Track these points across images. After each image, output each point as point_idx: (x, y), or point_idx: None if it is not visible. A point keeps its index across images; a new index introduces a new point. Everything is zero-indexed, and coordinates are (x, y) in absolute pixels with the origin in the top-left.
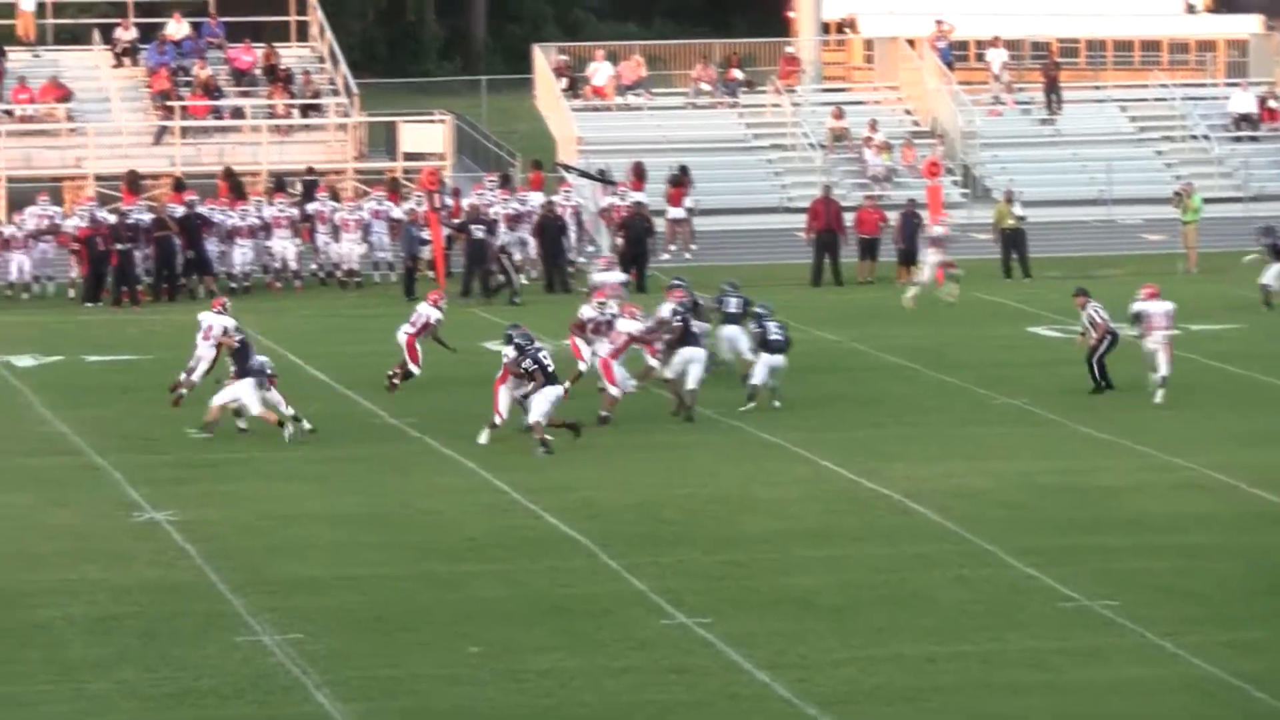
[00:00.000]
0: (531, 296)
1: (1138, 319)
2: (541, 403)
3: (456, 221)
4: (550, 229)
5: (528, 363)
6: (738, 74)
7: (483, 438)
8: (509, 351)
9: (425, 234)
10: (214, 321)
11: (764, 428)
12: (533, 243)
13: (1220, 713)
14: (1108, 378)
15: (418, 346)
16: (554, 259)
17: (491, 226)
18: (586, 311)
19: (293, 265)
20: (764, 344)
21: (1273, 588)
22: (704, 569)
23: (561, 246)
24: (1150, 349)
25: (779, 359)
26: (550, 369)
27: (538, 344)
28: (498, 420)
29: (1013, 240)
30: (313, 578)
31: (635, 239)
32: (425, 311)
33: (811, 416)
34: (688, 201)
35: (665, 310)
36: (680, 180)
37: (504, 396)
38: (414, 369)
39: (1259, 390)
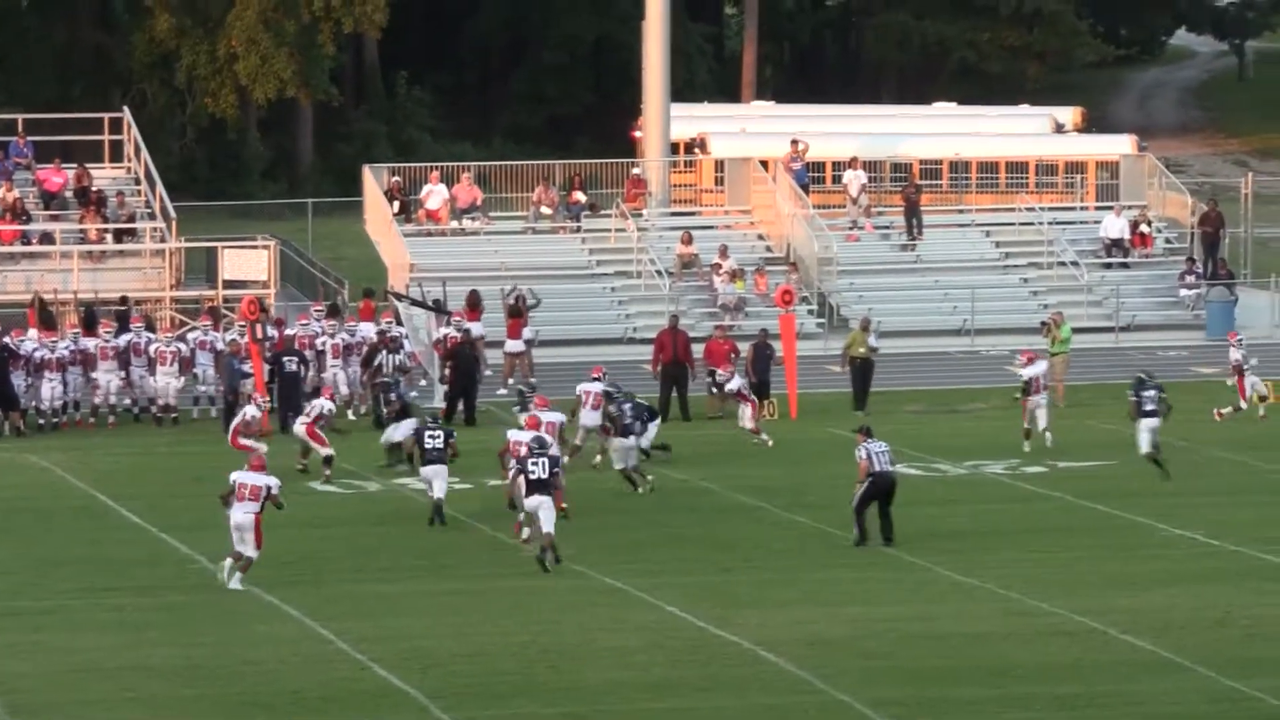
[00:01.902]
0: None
1: (1028, 387)
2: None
3: (268, 355)
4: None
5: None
6: (580, 196)
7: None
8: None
9: (247, 366)
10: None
11: (607, 572)
12: (356, 374)
13: None
14: (862, 527)
15: (320, 432)
16: (386, 390)
17: (304, 358)
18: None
19: (113, 399)
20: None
21: None
22: None
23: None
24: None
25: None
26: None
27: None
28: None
29: (861, 371)
30: None
31: (464, 370)
32: (319, 403)
33: (657, 560)
34: (527, 332)
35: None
36: (519, 310)
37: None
38: (325, 452)
39: (1129, 531)
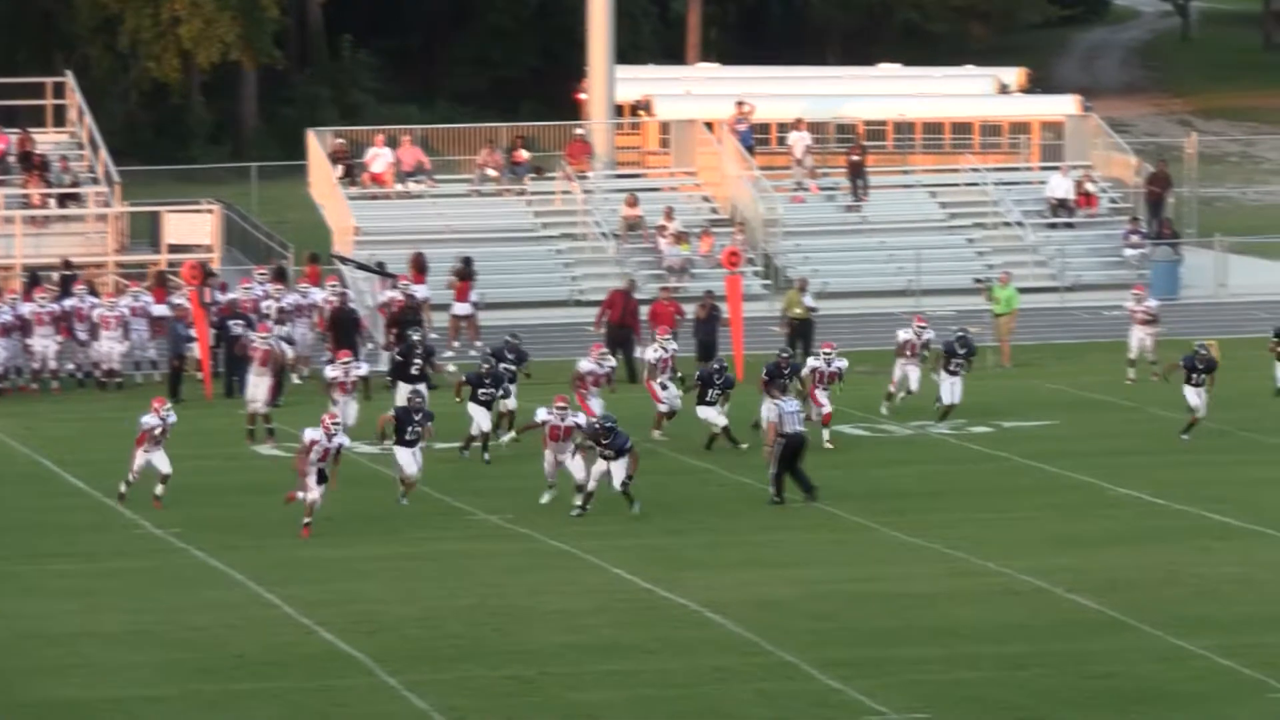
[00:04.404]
0: (304, 396)
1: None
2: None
3: (214, 319)
4: (345, 323)
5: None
6: (524, 154)
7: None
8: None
9: (192, 331)
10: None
11: (555, 535)
12: (304, 336)
13: None
14: (779, 488)
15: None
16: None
17: (250, 322)
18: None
19: (52, 364)
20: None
21: (1091, 699)
22: (489, 685)
23: (355, 342)
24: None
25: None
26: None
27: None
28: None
29: (800, 331)
30: (74, 700)
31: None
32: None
33: (606, 522)
34: (473, 295)
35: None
36: (464, 273)
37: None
38: None
39: (1075, 491)
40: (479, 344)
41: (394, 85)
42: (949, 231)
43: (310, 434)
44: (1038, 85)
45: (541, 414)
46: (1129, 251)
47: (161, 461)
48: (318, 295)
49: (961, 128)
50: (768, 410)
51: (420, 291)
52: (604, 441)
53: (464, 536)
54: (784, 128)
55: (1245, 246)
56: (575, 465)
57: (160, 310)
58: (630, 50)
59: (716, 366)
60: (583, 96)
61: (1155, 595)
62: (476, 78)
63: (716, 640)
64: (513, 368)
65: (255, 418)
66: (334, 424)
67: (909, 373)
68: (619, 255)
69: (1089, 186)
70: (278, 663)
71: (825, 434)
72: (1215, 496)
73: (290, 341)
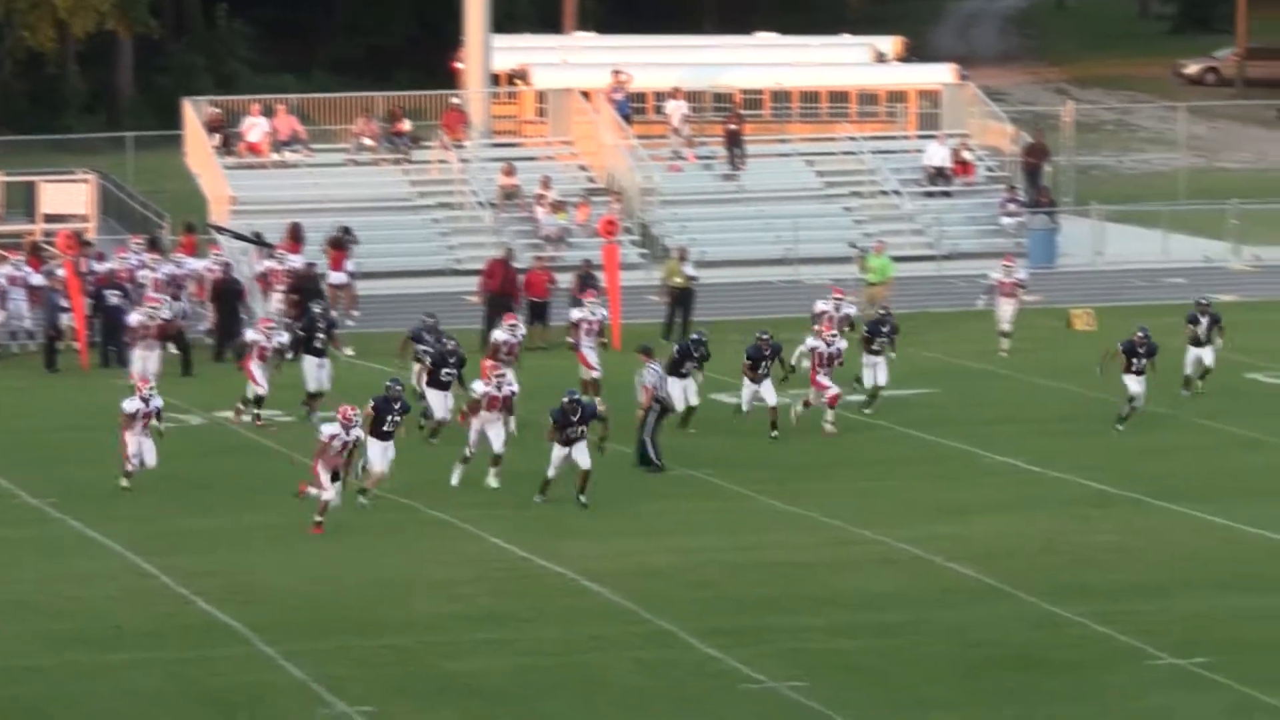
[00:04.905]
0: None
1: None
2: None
3: (90, 289)
4: (228, 293)
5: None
6: (406, 124)
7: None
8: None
9: (66, 301)
10: None
11: (433, 504)
12: (182, 308)
13: None
14: (658, 453)
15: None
16: (230, 325)
17: (125, 292)
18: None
19: None
20: None
21: (969, 668)
22: (367, 655)
23: (238, 312)
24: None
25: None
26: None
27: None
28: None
29: (681, 300)
30: None
31: (307, 303)
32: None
33: (482, 492)
34: (350, 265)
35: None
36: (341, 242)
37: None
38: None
39: (953, 459)
40: (355, 314)
41: (270, 55)
42: (826, 200)
43: (328, 429)
44: (914, 54)
45: (479, 387)
46: (1006, 220)
47: (149, 454)
48: (193, 265)
49: (838, 97)
50: (644, 376)
51: (297, 261)
52: (573, 419)
53: (342, 506)
54: (661, 97)
55: (1122, 215)
56: (495, 434)
57: (39, 280)
58: (506, 19)
59: (695, 338)
60: (459, 66)
61: (1033, 563)
62: (352, 46)
63: (594, 609)
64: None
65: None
66: (354, 415)
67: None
68: (496, 224)
69: (966, 155)
70: (155, 633)
71: (829, 415)
72: (1093, 465)
73: (184, 316)
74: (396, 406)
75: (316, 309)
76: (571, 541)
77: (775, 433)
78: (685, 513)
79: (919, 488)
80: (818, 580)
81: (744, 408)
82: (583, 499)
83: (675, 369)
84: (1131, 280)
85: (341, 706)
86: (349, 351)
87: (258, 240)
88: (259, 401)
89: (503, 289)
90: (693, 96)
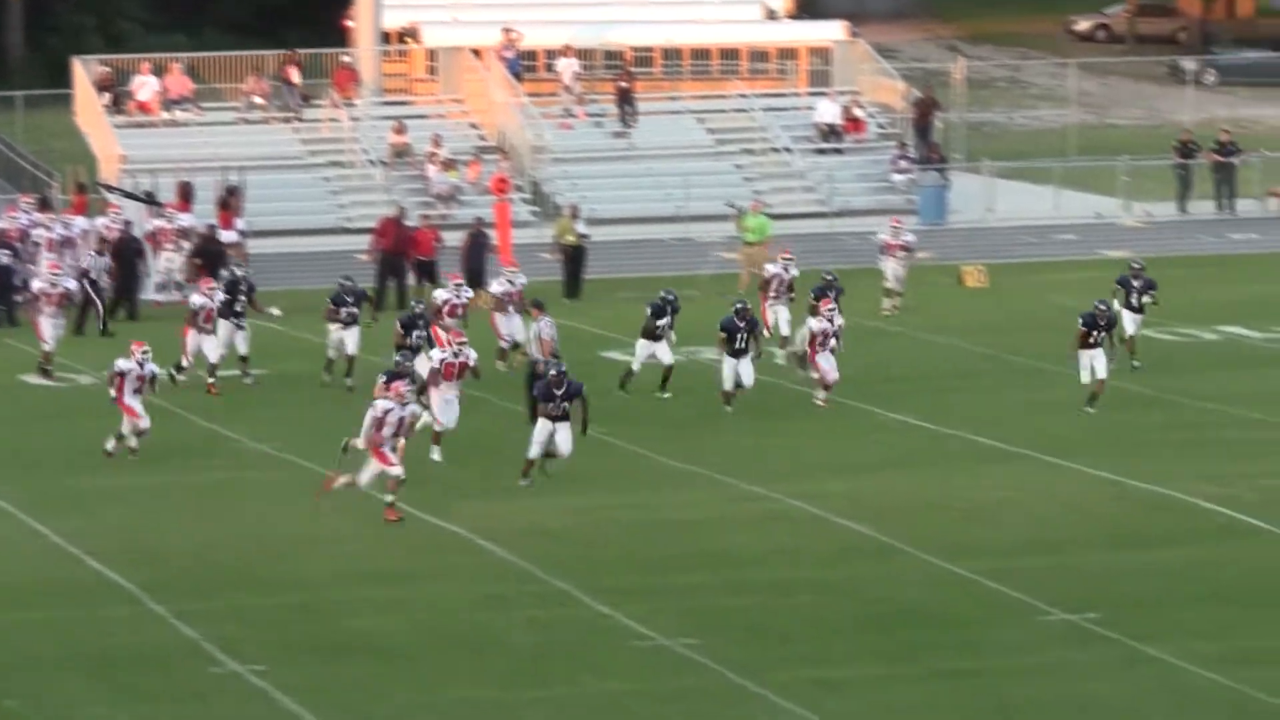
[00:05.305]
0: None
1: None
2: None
3: None
4: (127, 252)
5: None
6: (295, 74)
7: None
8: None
9: None
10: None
11: (324, 463)
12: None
13: None
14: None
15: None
16: (129, 284)
17: (15, 251)
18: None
19: None
20: None
21: (862, 623)
22: (261, 614)
23: (138, 271)
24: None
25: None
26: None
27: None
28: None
29: (574, 258)
30: None
31: (211, 265)
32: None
33: None
34: (239, 223)
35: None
36: (228, 201)
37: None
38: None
39: (846, 416)
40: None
41: (161, 14)
42: (717, 158)
43: (383, 404)
44: (805, 11)
45: (436, 354)
46: (897, 177)
47: (141, 418)
48: (82, 224)
49: (729, 54)
50: (540, 329)
51: (186, 219)
52: (557, 392)
53: (233, 465)
54: (552, 55)
55: (1012, 171)
56: (449, 411)
57: None
58: None
59: (666, 295)
60: (350, 24)
61: (926, 520)
62: (243, 5)
63: (489, 567)
64: (355, 310)
65: (49, 356)
66: (406, 390)
67: (778, 313)
68: (387, 183)
69: (857, 112)
70: (46, 593)
71: (820, 395)
72: (986, 421)
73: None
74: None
75: (239, 272)
76: (466, 501)
77: (665, 393)
78: (579, 471)
79: (813, 445)
80: (711, 538)
81: (728, 386)
82: (548, 467)
83: (649, 330)
84: (1022, 237)
85: (234, 666)
86: (275, 311)
87: (148, 199)
88: (212, 369)
89: (395, 247)
90: (584, 54)
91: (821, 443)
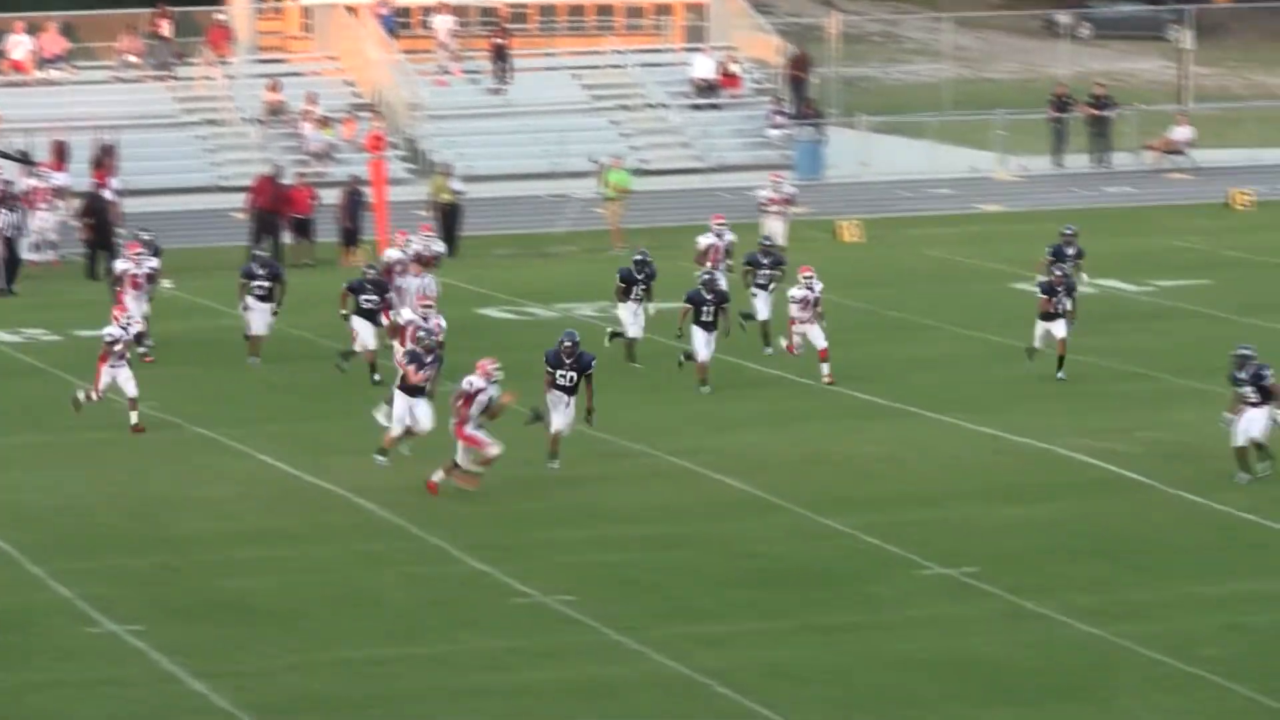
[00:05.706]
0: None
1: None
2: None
3: None
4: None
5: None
6: (166, 28)
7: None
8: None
9: None
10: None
11: (200, 422)
12: None
13: (683, 709)
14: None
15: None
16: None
17: None
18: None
19: None
20: None
21: (738, 578)
22: (136, 574)
23: (18, 227)
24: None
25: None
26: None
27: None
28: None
29: (450, 215)
30: None
31: (100, 225)
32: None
33: (251, 409)
34: (114, 183)
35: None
36: (102, 160)
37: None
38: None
39: (721, 371)
40: (121, 230)
41: None
42: (592, 114)
43: (474, 381)
44: None
45: (406, 314)
46: (773, 132)
47: (127, 382)
48: None
49: (604, 9)
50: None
51: (61, 179)
52: (567, 362)
53: (107, 426)
54: (427, 12)
55: (888, 126)
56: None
57: None
58: None
59: (638, 258)
60: None
61: (802, 475)
62: None
63: (364, 525)
64: (266, 284)
65: None
66: (493, 369)
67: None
68: (262, 141)
69: (732, 67)
70: None
71: (825, 368)
72: (862, 376)
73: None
74: (429, 360)
75: (145, 236)
76: (340, 458)
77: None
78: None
79: (688, 399)
80: (586, 494)
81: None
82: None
83: (624, 295)
84: (898, 191)
85: (111, 625)
86: (167, 284)
87: (22, 159)
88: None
89: (270, 206)
90: (459, 11)
91: (696, 399)
